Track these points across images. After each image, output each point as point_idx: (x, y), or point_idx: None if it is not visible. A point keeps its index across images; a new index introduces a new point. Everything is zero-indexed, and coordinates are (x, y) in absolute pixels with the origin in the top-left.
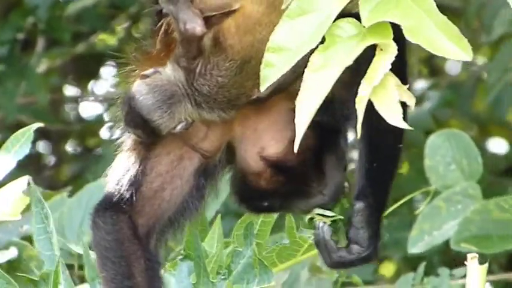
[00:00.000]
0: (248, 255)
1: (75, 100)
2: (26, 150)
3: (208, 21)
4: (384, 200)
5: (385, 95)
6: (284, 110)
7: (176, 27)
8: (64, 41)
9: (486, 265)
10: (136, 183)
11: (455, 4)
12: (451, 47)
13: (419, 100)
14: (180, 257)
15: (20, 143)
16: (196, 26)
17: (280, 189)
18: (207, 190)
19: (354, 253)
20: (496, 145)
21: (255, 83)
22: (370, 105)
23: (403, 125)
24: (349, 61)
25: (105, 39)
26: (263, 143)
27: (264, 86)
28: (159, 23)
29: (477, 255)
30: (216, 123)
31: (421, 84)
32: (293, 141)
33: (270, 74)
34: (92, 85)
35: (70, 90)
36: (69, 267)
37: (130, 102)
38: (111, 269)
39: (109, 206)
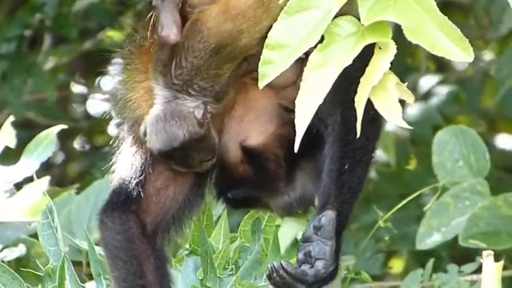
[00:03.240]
0: (256, 251)
1: (83, 97)
2: (49, 152)
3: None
4: (350, 210)
5: (385, 94)
6: (271, 104)
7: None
8: (71, 38)
9: (501, 262)
10: (141, 182)
11: (464, 0)
12: (452, 48)
13: (427, 96)
14: (186, 252)
15: (43, 146)
16: (170, 34)
17: (249, 179)
18: (207, 186)
19: (321, 270)
20: (504, 141)
21: (232, 65)
22: (346, 108)
23: (403, 124)
24: (348, 60)
25: (113, 36)
26: (246, 133)
27: (262, 83)
28: (149, 15)
29: (492, 253)
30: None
31: (428, 80)
32: (275, 134)
33: (269, 71)
34: (99, 82)
35: (77, 87)
36: (78, 264)
37: (162, 155)
38: (122, 268)
39: (116, 206)
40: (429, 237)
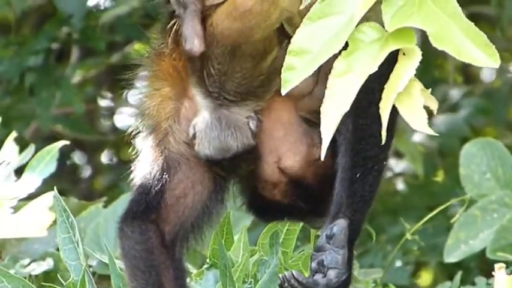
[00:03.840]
0: (274, 264)
1: (110, 110)
2: (51, 168)
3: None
4: (362, 219)
5: (410, 101)
6: (294, 117)
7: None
8: (99, 51)
9: None
10: (160, 191)
11: (490, 12)
12: (478, 54)
13: (455, 108)
14: (206, 265)
15: (45, 161)
16: (193, 46)
17: (293, 203)
18: (226, 194)
19: (333, 279)
20: None
21: (254, 63)
22: (358, 117)
23: (429, 130)
24: (373, 67)
25: (140, 49)
26: (280, 152)
27: (285, 90)
28: (171, 23)
29: (504, 265)
30: None
31: (456, 92)
32: (308, 156)
33: (292, 77)
34: (126, 95)
35: (105, 101)
36: (106, 277)
37: (208, 161)
38: (141, 278)
39: (136, 215)
40: (457, 250)
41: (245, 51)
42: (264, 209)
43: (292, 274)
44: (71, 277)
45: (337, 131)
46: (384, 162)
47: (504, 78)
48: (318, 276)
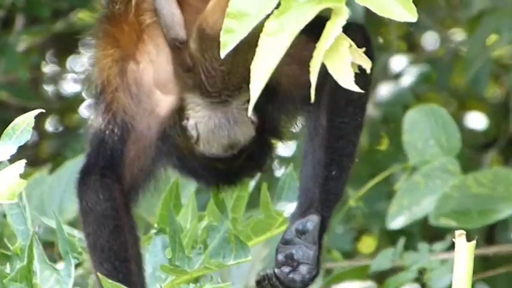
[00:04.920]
0: (224, 230)
1: (55, 78)
2: (27, 136)
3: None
4: (331, 214)
5: (337, 58)
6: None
7: (160, 26)
8: (43, 19)
9: (474, 242)
10: (119, 150)
11: None
12: (397, 8)
13: (398, 76)
14: (154, 231)
15: (21, 129)
16: (177, 35)
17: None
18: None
19: (306, 274)
20: (475, 120)
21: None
22: (336, 115)
23: (355, 87)
24: (302, 25)
25: (84, 17)
26: None
27: (224, 52)
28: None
29: (465, 232)
30: None
31: (400, 60)
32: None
33: (230, 39)
34: (71, 62)
35: (49, 68)
36: (51, 244)
37: (211, 159)
38: (108, 238)
39: (98, 171)
40: (400, 216)
41: (246, 43)
42: (204, 173)
43: (274, 272)
44: (18, 242)
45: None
46: (355, 159)
47: (447, 46)
48: (286, 270)
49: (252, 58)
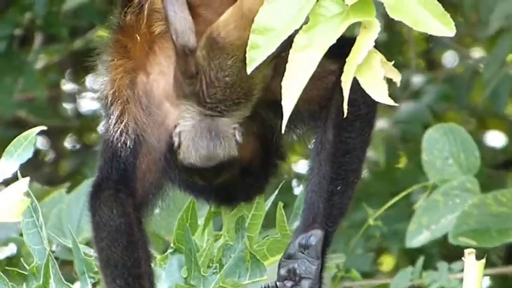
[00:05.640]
0: (239, 249)
1: (73, 96)
2: (29, 153)
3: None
4: (336, 229)
5: (370, 72)
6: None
7: (170, 33)
8: (62, 37)
9: (483, 261)
10: (131, 164)
11: None
12: (434, 23)
13: (417, 94)
14: (171, 250)
15: (23, 146)
16: (188, 42)
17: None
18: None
19: None
20: (494, 138)
21: (264, 70)
22: (343, 130)
23: (389, 101)
24: (333, 40)
25: (103, 35)
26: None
27: (250, 68)
28: (132, 10)
29: (474, 251)
30: None
31: (418, 78)
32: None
33: (256, 55)
34: (89, 81)
35: (68, 86)
36: (69, 263)
37: (190, 169)
38: (121, 254)
39: (111, 186)
40: (419, 235)
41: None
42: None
43: (276, 285)
44: (34, 261)
45: (315, 134)
46: (361, 174)
47: (466, 63)
48: (288, 284)
49: (258, 73)
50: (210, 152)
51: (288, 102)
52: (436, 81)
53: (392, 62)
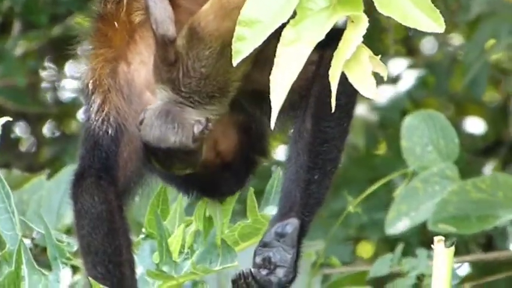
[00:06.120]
0: (212, 235)
1: (53, 83)
2: None
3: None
4: (312, 219)
5: (358, 68)
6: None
7: (150, 22)
8: (41, 24)
9: (452, 248)
10: (113, 151)
11: None
12: (424, 19)
13: (396, 80)
14: (142, 236)
15: None
16: (167, 32)
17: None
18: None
19: (282, 277)
20: (473, 124)
21: (239, 67)
22: (322, 119)
23: (378, 97)
24: (321, 35)
25: (82, 22)
26: (217, 135)
27: (236, 60)
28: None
29: (443, 238)
30: None
31: (397, 64)
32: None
33: (243, 47)
34: (68, 68)
35: (47, 73)
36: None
37: (147, 148)
38: (102, 241)
39: (91, 174)
40: (398, 222)
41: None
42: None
43: (251, 272)
44: (6, 247)
45: (294, 125)
46: (339, 164)
47: (445, 50)
48: (263, 272)
49: (235, 70)
50: (161, 133)
51: (277, 98)
52: (415, 68)
53: (379, 57)
